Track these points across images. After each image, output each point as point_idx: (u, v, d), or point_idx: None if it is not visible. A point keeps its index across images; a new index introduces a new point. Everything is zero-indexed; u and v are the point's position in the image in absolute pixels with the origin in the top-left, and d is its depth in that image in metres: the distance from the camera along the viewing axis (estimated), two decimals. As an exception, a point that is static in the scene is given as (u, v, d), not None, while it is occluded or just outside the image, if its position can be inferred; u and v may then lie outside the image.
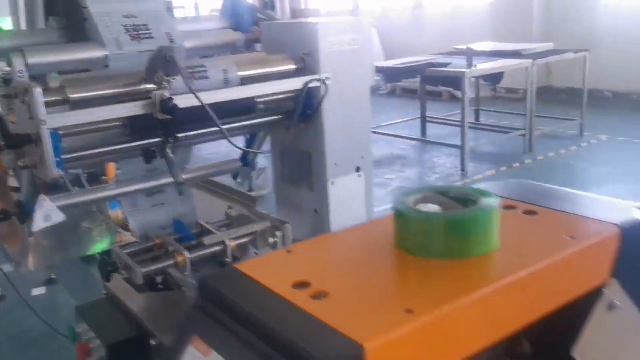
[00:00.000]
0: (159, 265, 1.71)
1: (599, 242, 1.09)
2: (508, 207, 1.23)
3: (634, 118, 7.89)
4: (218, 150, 3.43)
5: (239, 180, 2.27)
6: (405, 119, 7.78)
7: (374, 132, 7.03)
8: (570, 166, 6.17)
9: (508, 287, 0.97)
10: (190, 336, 0.99)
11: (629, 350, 1.16)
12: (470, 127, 6.31)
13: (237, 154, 2.11)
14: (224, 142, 1.75)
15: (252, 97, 1.75)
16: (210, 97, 1.61)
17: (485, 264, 1.02)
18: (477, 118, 7.82)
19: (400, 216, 1.08)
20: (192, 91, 1.54)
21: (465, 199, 1.12)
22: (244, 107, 1.76)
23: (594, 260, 1.10)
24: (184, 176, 1.90)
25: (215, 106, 1.63)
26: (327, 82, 1.84)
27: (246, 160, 2.16)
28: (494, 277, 0.98)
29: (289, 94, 1.84)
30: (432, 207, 1.09)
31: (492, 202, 1.07)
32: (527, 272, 0.99)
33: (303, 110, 1.86)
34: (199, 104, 1.56)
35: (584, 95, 6.96)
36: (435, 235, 1.04)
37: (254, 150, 2.06)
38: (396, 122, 7.50)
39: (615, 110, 8.28)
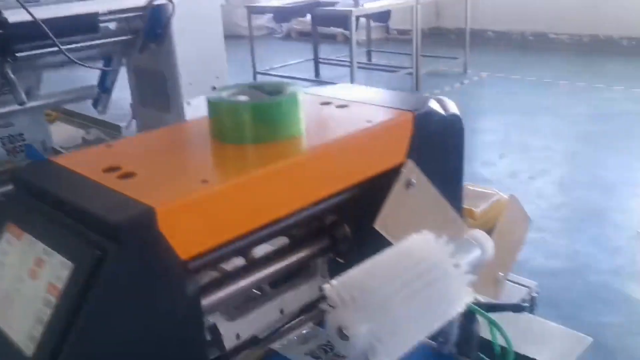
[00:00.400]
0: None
1: (393, 125, 1.22)
2: (324, 103, 1.35)
3: (512, 56, 8.38)
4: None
5: (99, 109, 2.26)
6: (299, 60, 7.84)
7: (266, 74, 7.06)
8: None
9: (305, 161, 1.08)
10: (5, 224, 1.04)
11: (425, 220, 1.32)
12: (361, 68, 6.49)
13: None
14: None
15: (94, 14, 1.74)
16: (45, 12, 1.59)
17: (287, 145, 1.13)
18: (369, 59, 8.01)
19: (213, 106, 1.15)
20: (21, 4, 1.52)
21: (277, 92, 1.21)
22: (86, 25, 1.74)
23: (391, 142, 1.24)
24: (35, 103, 1.88)
25: (53, 22, 1.61)
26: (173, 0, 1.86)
27: (104, 86, 2.15)
28: (293, 153, 1.09)
29: (136, 13, 1.84)
30: (242, 98, 1.17)
31: (296, 92, 1.17)
32: (323, 149, 1.10)
33: (152, 29, 1.87)
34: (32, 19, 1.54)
35: (467, 35, 7.29)
36: (242, 121, 1.12)
37: (104, 68, 2.06)
38: (289, 64, 7.55)
39: (496, 49, 8.75)
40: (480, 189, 1.76)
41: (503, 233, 1.57)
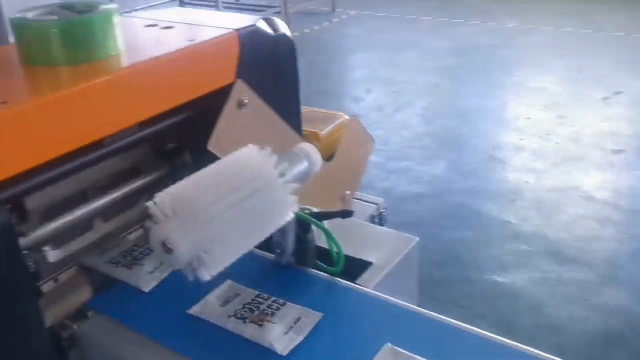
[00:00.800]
0: None
1: (218, 44, 1.20)
2: (149, 25, 1.29)
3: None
4: None
5: None
6: (163, 1, 7.48)
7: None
8: (322, 40, 6.56)
9: (119, 79, 1.04)
10: None
11: (260, 139, 1.32)
12: (227, 7, 6.31)
13: None
14: None
15: None
16: None
17: (102, 64, 1.07)
18: (237, -1, 7.81)
19: (17, 27, 1.07)
20: None
21: (89, 11, 1.13)
22: None
23: (218, 61, 1.21)
24: None
25: None
26: None
27: None
28: (106, 72, 1.04)
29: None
30: (50, 17, 1.09)
31: (109, 9, 1.10)
32: (140, 68, 1.06)
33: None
34: None
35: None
36: (49, 41, 1.05)
37: None
38: (152, 5, 7.18)
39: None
40: (325, 112, 1.80)
41: (346, 153, 1.62)
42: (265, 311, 1.01)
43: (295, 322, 0.98)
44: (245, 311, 1.01)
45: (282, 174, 1.02)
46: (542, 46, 5.95)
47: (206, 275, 0.91)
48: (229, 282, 1.09)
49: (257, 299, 1.04)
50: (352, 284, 1.09)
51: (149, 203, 0.92)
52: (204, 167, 0.97)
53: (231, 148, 1.23)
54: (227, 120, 1.23)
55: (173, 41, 1.19)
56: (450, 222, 3.23)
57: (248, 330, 0.97)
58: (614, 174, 3.63)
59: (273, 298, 1.04)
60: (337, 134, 1.69)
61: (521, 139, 4.09)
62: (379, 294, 1.05)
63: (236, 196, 0.94)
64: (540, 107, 4.57)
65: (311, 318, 1.00)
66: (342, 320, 0.99)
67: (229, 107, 1.23)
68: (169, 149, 1.34)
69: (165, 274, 1.11)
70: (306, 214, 1.13)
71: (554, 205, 3.31)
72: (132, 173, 1.29)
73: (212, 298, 1.06)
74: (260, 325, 0.98)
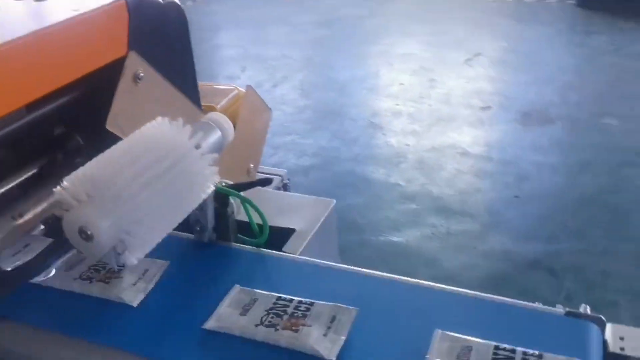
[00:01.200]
0: None
1: (103, 14, 1.10)
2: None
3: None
4: None
5: None
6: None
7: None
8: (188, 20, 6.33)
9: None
10: None
11: (160, 114, 1.25)
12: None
13: None
14: None
15: None
16: None
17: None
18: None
19: None
20: None
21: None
22: None
23: (106, 32, 1.12)
24: None
25: None
26: None
27: None
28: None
29: None
30: None
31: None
32: (13, 45, 0.94)
33: None
34: None
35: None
36: None
37: None
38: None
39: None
40: (217, 86, 1.74)
41: (246, 125, 1.58)
42: (296, 314, 0.88)
43: (331, 322, 0.87)
44: (272, 317, 0.89)
45: (197, 146, 0.97)
46: (405, 14, 6.19)
47: (133, 259, 0.85)
48: (237, 287, 0.95)
49: (280, 302, 0.91)
50: (286, 254, 1.07)
51: (57, 190, 0.83)
52: (100, 151, 0.88)
53: (131, 126, 1.15)
54: (123, 97, 1.14)
55: (53, 13, 1.07)
56: (341, 190, 3.29)
57: (283, 339, 0.85)
58: (484, 130, 3.88)
59: (298, 299, 0.91)
60: (234, 106, 1.64)
61: (397, 105, 4.24)
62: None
63: (154, 172, 0.88)
64: (410, 72, 4.76)
65: (347, 315, 0.88)
66: (379, 311, 0.91)
67: (125, 82, 1.14)
68: (59, 133, 1.22)
69: (151, 285, 0.97)
70: (223, 187, 1.08)
71: (435, 164, 3.48)
72: (18, 164, 1.16)
73: (226, 308, 0.92)
74: (296, 331, 0.86)
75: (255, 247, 1.09)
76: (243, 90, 1.74)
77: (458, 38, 5.38)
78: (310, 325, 0.86)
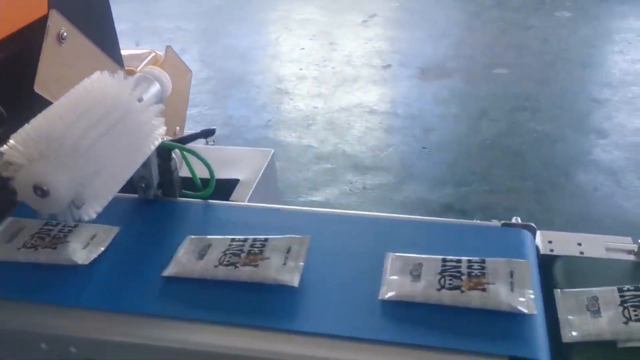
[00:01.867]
0: None
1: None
2: None
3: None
4: None
5: None
6: None
7: None
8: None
9: None
10: None
11: (85, 74, 1.22)
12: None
13: None
14: None
15: None
16: None
17: None
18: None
19: None
20: None
21: None
22: None
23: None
24: None
25: None
26: None
27: None
28: None
29: None
30: None
31: None
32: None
33: None
34: None
35: None
36: None
37: None
38: None
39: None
40: (133, 51, 1.69)
41: (169, 86, 1.56)
42: (252, 251, 0.90)
43: (288, 252, 0.90)
44: (230, 257, 0.90)
45: (140, 99, 0.96)
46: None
47: (92, 213, 0.84)
48: (190, 237, 0.97)
49: (234, 242, 0.93)
50: (234, 202, 1.09)
51: (3, 148, 0.80)
52: (25, 119, 0.85)
53: (60, 87, 1.12)
54: (49, 58, 1.09)
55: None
56: (257, 156, 3.30)
57: (245, 274, 0.87)
58: (388, 87, 4.02)
59: (252, 237, 0.94)
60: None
61: (301, 69, 4.28)
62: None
63: (103, 125, 0.87)
64: (310, 36, 4.80)
65: (301, 244, 0.92)
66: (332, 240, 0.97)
67: (49, 42, 1.09)
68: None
69: (102, 247, 0.94)
70: (168, 141, 1.07)
71: (345, 124, 3.57)
72: None
73: (182, 255, 0.93)
74: (256, 266, 0.88)
75: (202, 200, 1.10)
76: (159, 53, 1.71)
77: (353, 0, 5.48)
78: (268, 258, 0.89)
